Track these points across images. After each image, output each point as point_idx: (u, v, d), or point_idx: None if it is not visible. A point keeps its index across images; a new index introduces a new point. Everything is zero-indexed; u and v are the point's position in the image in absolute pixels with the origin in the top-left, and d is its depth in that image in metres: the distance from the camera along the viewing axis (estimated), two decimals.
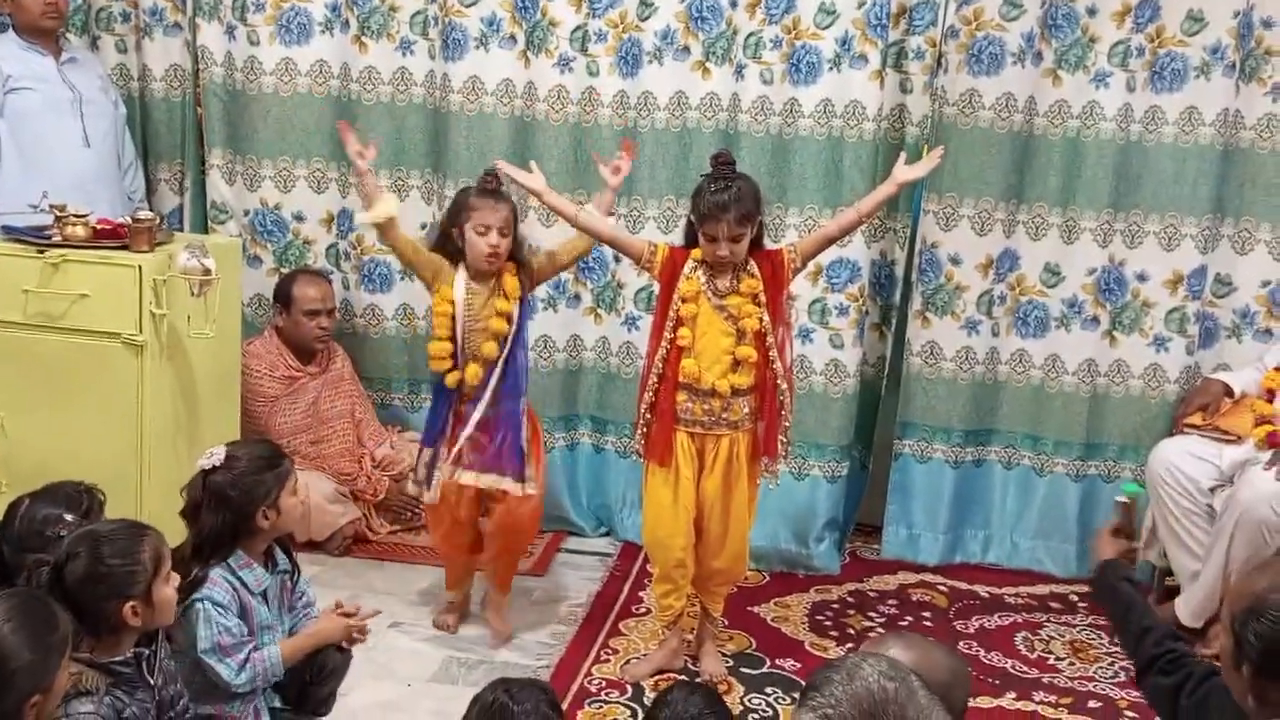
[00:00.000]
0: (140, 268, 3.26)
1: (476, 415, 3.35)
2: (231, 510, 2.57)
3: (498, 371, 3.36)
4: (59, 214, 3.37)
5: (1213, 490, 3.58)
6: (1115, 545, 2.50)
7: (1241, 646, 1.83)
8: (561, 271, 3.73)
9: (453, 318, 3.34)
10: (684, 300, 3.14)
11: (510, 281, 3.38)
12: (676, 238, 3.47)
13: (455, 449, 3.37)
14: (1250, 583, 1.91)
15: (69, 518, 2.40)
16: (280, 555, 2.72)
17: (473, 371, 3.35)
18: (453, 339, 3.36)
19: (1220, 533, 3.46)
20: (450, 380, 3.37)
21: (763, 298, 3.14)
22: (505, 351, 3.36)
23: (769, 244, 3.36)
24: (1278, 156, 3.93)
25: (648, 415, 3.22)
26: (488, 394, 3.35)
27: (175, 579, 2.31)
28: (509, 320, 3.37)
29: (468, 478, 3.39)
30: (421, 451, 3.50)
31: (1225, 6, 3.82)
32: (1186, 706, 2.15)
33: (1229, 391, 3.83)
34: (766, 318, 3.14)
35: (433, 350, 3.40)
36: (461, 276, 3.35)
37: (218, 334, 3.44)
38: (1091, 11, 3.88)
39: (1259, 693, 1.83)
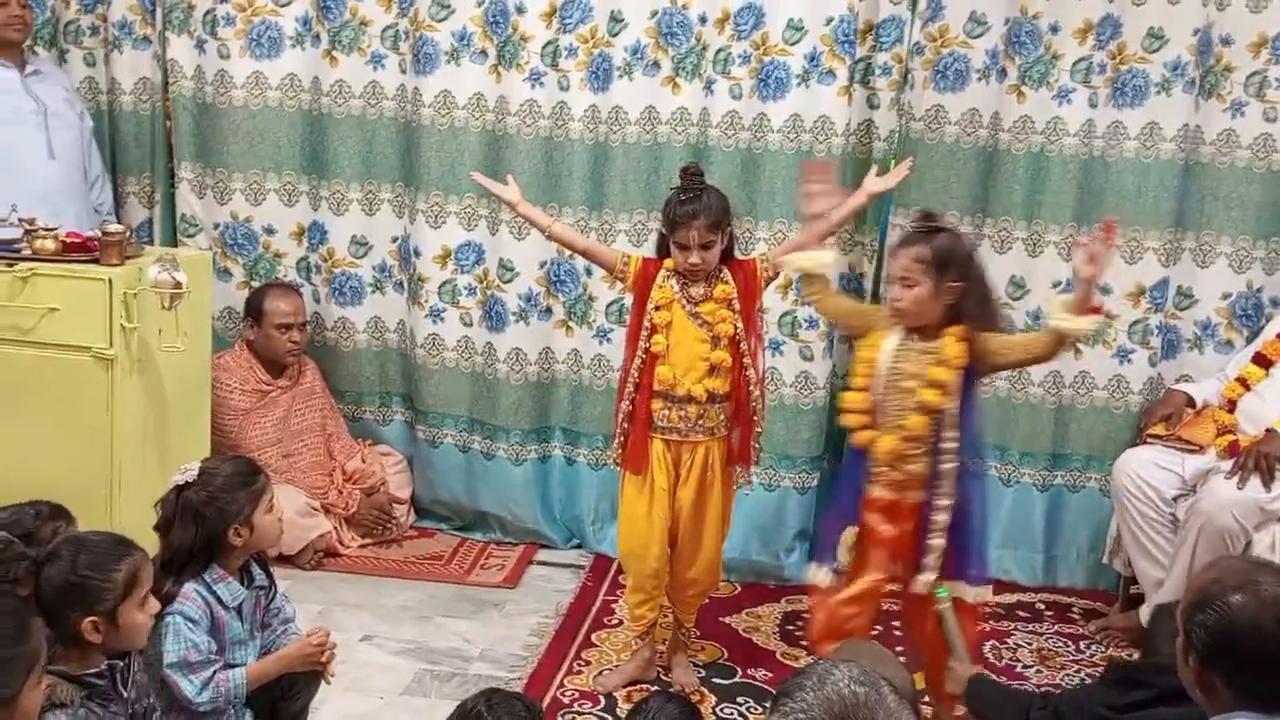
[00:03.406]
0: (111, 281, 3.25)
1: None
2: (203, 526, 2.57)
3: (948, 460, 2.82)
4: (28, 227, 3.36)
5: (1176, 499, 3.64)
6: (957, 675, 2.68)
7: (1189, 639, 1.89)
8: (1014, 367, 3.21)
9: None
10: (657, 308, 3.17)
11: (953, 346, 2.83)
12: (648, 251, 3.50)
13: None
14: (1201, 578, 1.98)
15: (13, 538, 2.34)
16: (257, 570, 2.71)
17: (888, 445, 2.86)
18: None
19: (1184, 541, 3.51)
20: (860, 439, 2.92)
21: (737, 304, 3.17)
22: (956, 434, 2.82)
23: (740, 255, 3.39)
24: (1237, 171, 4.00)
25: (625, 425, 3.25)
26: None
27: (153, 606, 2.29)
28: (944, 393, 2.81)
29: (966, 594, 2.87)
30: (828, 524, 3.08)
31: (1185, 24, 3.90)
32: (1065, 712, 2.35)
33: (1191, 402, 3.89)
34: (740, 323, 3.17)
35: (846, 401, 2.98)
36: (899, 331, 2.89)
37: (188, 348, 3.42)
38: (1054, 29, 3.95)
39: (1204, 683, 1.89)
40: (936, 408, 2.80)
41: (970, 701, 2.61)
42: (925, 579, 2.82)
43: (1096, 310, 2.78)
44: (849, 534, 2.92)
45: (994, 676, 2.69)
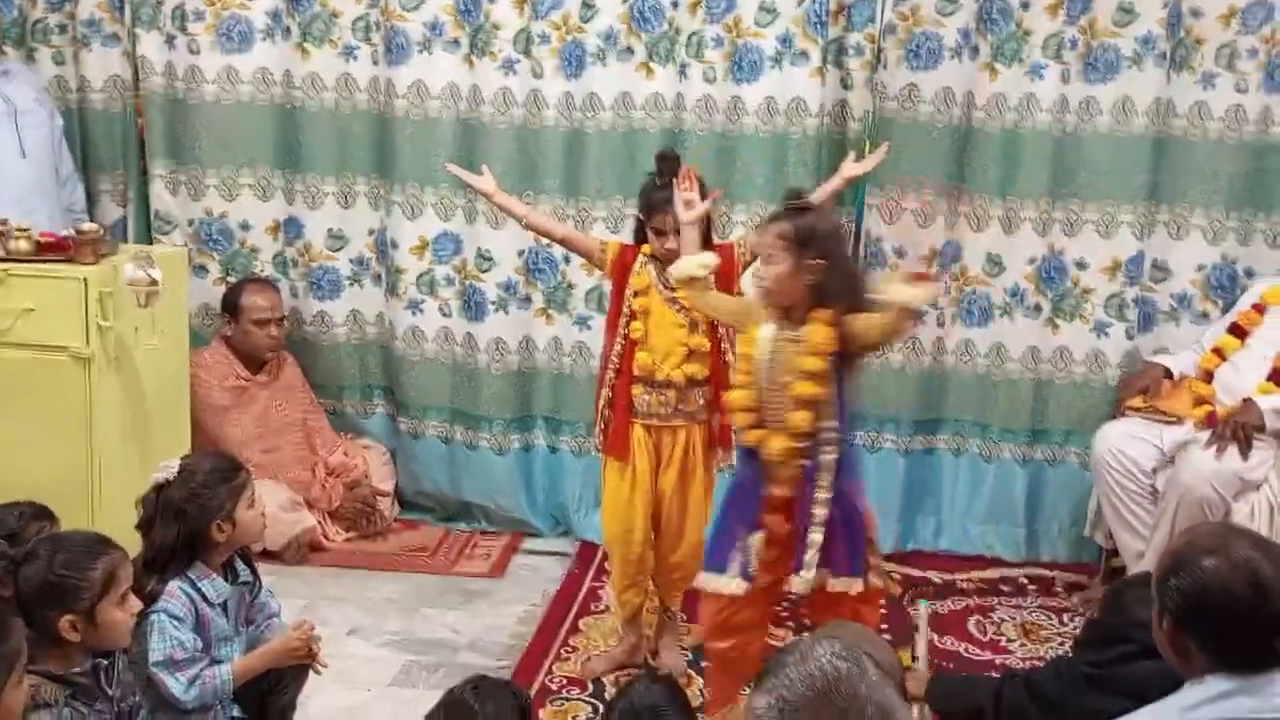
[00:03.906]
0: (86, 280, 3.23)
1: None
2: (185, 524, 2.56)
3: (829, 451, 2.75)
4: (1, 228, 3.34)
5: (1155, 471, 3.66)
6: (917, 677, 2.60)
7: (1163, 602, 1.92)
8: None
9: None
10: (636, 294, 3.18)
11: (820, 332, 2.73)
12: (625, 238, 3.50)
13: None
14: (1175, 544, 2.02)
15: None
16: (241, 566, 2.70)
17: (778, 445, 2.76)
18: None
19: (1163, 512, 3.54)
20: (750, 439, 2.81)
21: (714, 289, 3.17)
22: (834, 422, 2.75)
23: (717, 239, 3.39)
24: (1209, 144, 4.02)
25: (606, 411, 3.25)
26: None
27: (134, 605, 2.28)
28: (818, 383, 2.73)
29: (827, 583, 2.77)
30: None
31: None
32: (1038, 680, 2.39)
33: (1168, 374, 3.92)
34: None
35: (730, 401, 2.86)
36: (772, 322, 2.80)
37: (165, 345, 3.42)
38: (1025, 5, 3.96)
39: (1178, 646, 1.91)
40: (813, 399, 2.72)
41: (934, 699, 2.56)
42: (806, 576, 2.72)
43: (925, 277, 2.75)
44: (757, 540, 2.80)
45: (949, 669, 2.65)
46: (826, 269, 2.72)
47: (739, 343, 2.89)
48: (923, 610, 2.79)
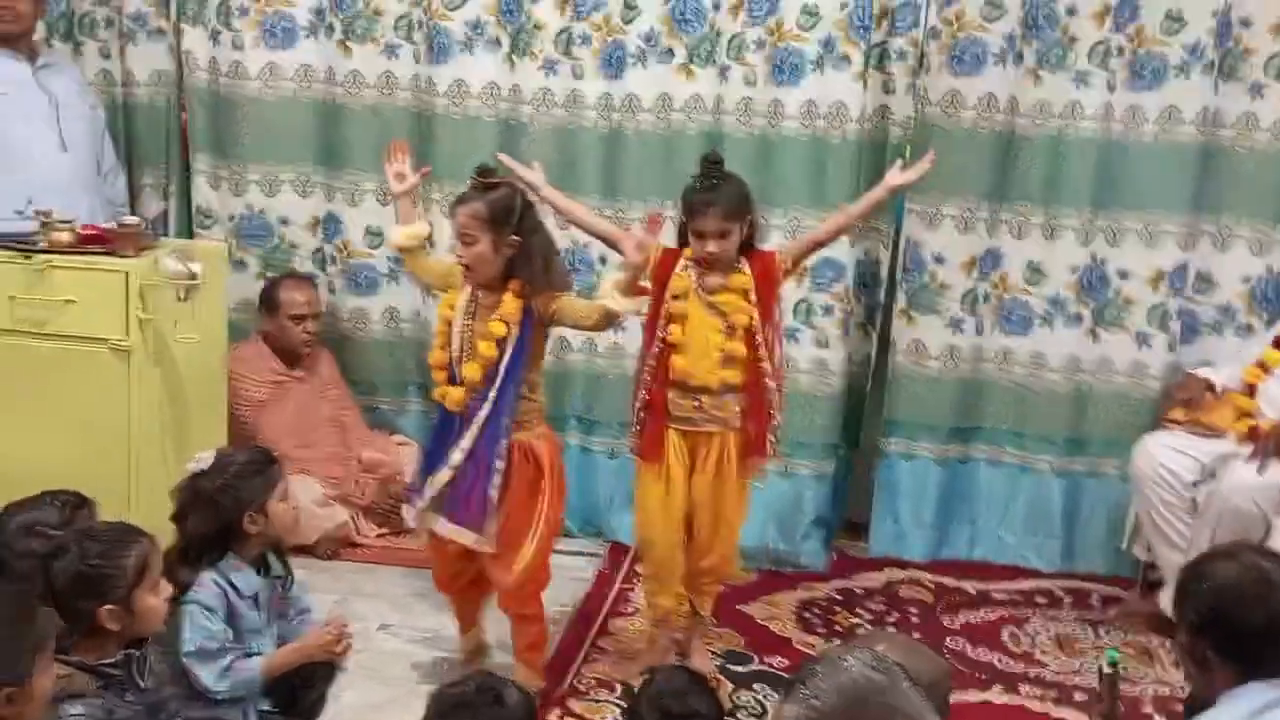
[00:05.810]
0: (127, 273, 3.26)
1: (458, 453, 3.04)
2: (218, 514, 2.58)
3: (485, 407, 3.02)
4: (45, 220, 3.37)
5: (1195, 484, 3.61)
6: None
7: (1183, 612, 1.93)
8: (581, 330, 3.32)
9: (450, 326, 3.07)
10: (675, 297, 3.16)
11: (510, 303, 3.03)
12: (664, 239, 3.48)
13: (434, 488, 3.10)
14: (1193, 560, 2.06)
15: (50, 530, 2.38)
16: (274, 560, 2.72)
17: (454, 395, 3.07)
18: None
19: (1203, 526, 3.49)
20: (437, 395, 3.12)
21: (753, 295, 3.16)
22: (498, 383, 3.01)
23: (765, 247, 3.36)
24: (1256, 155, 3.96)
25: (641, 414, 3.24)
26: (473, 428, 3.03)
27: (166, 589, 2.30)
28: (499, 347, 3.01)
29: (439, 526, 3.10)
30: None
31: (1204, 6, 3.85)
32: None
33: (1211, 387, 3.85)
34: (757, 315, 3.16)
35: (431, 360, 3.16)
36: (468, 290, 3.06)
37: (204, 339, 3.44)
38: (1071, 11, 3.92)
39: (1196, 655, 1.91)
40: (490, 360, 2.99)
41: None
42: (415, 508, 3.13)
43: (645, 292, 3.06)
44: (442, 476, 3.06)
45: None
46: (522, 245, 2.97)
47: (439, 306, 3.13)
48: (1105, 664, 2.29)
